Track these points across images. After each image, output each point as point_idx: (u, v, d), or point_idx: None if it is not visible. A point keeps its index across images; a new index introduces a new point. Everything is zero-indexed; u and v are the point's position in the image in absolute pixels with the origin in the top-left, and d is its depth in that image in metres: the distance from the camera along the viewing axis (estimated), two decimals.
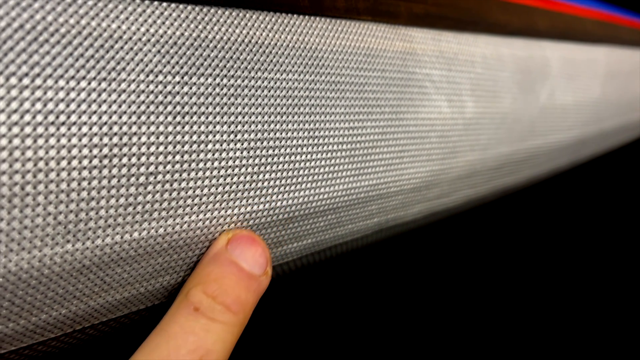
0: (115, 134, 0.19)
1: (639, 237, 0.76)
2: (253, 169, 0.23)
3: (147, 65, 0.20)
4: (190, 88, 0.21)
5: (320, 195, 0.27)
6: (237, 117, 0.22)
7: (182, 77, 0.21)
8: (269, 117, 0.23)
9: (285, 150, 0.24)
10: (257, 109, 0.23)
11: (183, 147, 0.21)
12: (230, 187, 0.23)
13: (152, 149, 0.20)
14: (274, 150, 0.24)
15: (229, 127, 0.22)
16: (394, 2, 0.30)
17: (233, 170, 0.22)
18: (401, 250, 0.64)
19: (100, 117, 0.18)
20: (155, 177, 0.20)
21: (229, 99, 0.22)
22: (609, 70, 0.55)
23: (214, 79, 0.21)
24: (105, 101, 0.18)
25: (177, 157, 0.20)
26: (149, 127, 0.20)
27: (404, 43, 0.30)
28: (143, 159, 0.19)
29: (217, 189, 0.22)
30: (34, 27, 0.17)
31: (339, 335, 0.58)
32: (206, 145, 0.21)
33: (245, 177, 0.23)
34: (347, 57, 0.27)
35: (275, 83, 0.24)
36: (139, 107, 0.19)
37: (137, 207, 0.20)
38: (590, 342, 0.65)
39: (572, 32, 0.49)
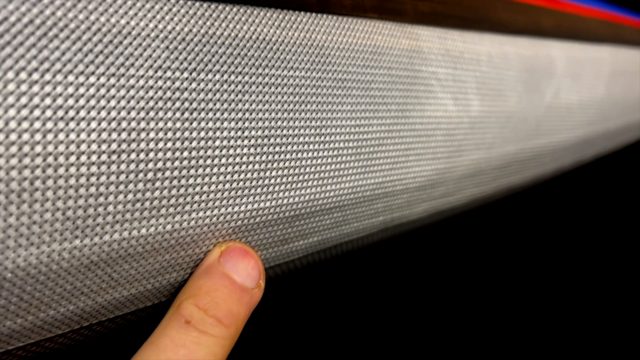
0: (124, 129, 0.19)
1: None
2: (260, 165, 0.23)
3: (155, 61, 0.20)
4: (199, 84, 0.21)
5: (326, 192, 0.27)
6: (244, 114, 0.22)
7: (191, 73, 0.20)
8: (276, 114, 0.23)
9: (292, 147, 0.24)
10: (264, 105, 0.23)
11: (191, 143, 0.20)
12: (238, 184, 0.23)
13: (161, 144, 0.20)
14: (280, 148, 0.24)
15: (237, 123, 0.22)
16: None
17: (240, 167, 0.22)
18: (406, 249, 0.64)
19: (109, 113, 0.18)
20: (163, 173, 0.20)
21: (237, 95, 0.22)
22: (614, 70, 0.55)
23: (222, 75, 0.21)
24: (114, 97, 0.18)
25: (185, 154, 0.20)
26: (157, 123, 0.20)
27: (410, 41, 0.30)
28: (151, 154, 0.19)
29: (224, 185, 0.22)
30: (43, 22, 0.17)
31: (344, 333, 0.58)
32: (214, 142, 0.21)
33: (252, 174, 0.23)
34: (353, 55, 0.27)
35: (283, 80, 0.24)
36: (147, 102, 0.19)
37: (145, 203, 0.20)
38: (601, 341, 0.64)
39: (577, 31, 0.49)
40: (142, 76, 0.19)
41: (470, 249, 0.71)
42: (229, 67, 0.22)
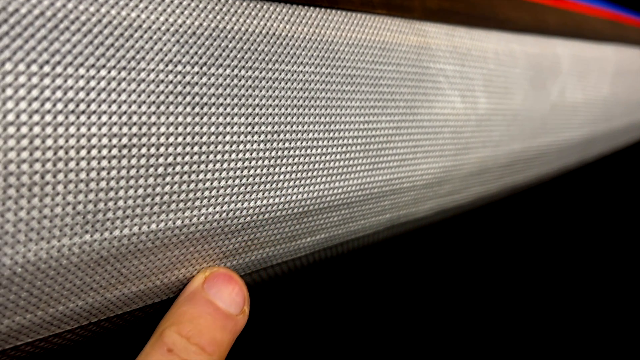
0: (135, 123, 0.19)
1: None
2: (269, 161, 0.23)
3: (166, 55, 0.19)
4: (209, 79, 0.21)
5: (334, 189, 0.27)
6: (254, 109, 0.22)
7: (201, 68, 0.20)
8: (286, 109, 0.23)
9: (301, 143, 0.24)
10: (274, 101, 0.23)
11: (201, 138, 0.20)
12: (247, 180, 0.22)
13: (171, 139, 0.19)
14: (290, 144, 0.24)
15: (247, 119, 0.22)
16: None
17: (250, 163, 0.22)
18: (412, 247, 0.64)
19: (119, 107, 0.18)
20: (173, 168, 0.20)
21: (247, 90, 0.22)
22: (618, 69, 0.55)
23: (232, 70, 0.21)
24: (124, 90, 0.18)
25: (196, 149, 0.20)
26: (168, 118, 0.19)
27: (418, 37, 0.30)
28: (162, 149, 0.19)
29: (234, 181, 0.22)
30: (54, 14, 0.17)
31: (350, 330, 0.58)
32: (224, 137, 0.21)
33: (261, 170, 0.23)
34: (362, 51, 0.27)
35: (292, 75, 0.24)
36: (158, 97, 0.19)
37: (155, 198, 0.20)
38: (605, 341, 0.64)
39: (582, 30, 0.49)
40: (153, 70, 0.19)
41: (475, 247, 0.71)
42: (239, 61, 0.22)
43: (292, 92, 0.24)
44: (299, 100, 0.24)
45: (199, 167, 0.21)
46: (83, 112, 0.17)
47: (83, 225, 0.18)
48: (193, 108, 0.20)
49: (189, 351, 0.20)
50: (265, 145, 0.23)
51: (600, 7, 0.55)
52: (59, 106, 0.17)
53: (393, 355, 0.57)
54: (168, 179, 0.20)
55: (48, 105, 0.17)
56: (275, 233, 0.25)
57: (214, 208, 0.22)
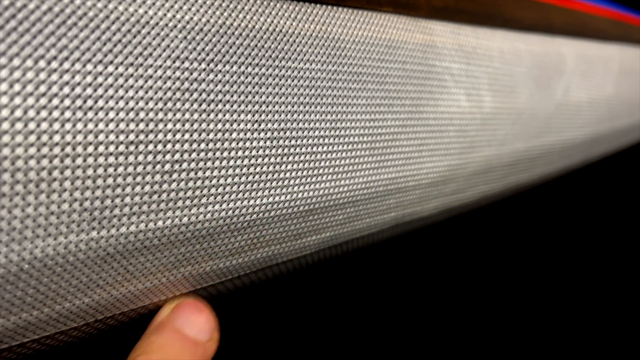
0: (142, 120, 0.18)
1: None
2: (276, 159, 0.23)
3: (173, 52, 0.19)
4: (216, 75, 0.20)
5: (340, 187, 0.26)
6: (261, 107, 0.22)
7: (208, 64, 0.20)
8: (292, 107, 0.23)
9: (308, 141, 0.24)
10: (280, 98, 0.23)
11: (208, 135, 0.20)
12: (254, 177, 0.22)
13: (178, 136, 0.19)
14: (296, 141, 0.24)
15: (253, 116, 0.22)
16: None
17: (256, 160, 0.22)
18: (416, 246, 0.63)
19: (127, 103, 0.18)
20: (180, 165, 0.20)
21: (254, 87, 0.22)
22: (622, 69, 0.55)
23: (239, 67, 0.21)
24: (132, 87, 0.18)
25: (203, 146, 0.20)
26: (175, 114, 0.19)
27: (424, 35, 0.30)
28: (169, 146, 0.19)
29: (240, 178, 0.22)
30: (62, 10, 0.17)
31: (355, 328, 0.58)
32: (231, 134, 0.21)
33: (268, 168, 0.23)
34: (369, 48, 0.27)
35: (299, 72, 0.23)
36: (165, 93, 0.19)
37: (162, 195, 0.19)
38: (606, 341, 0.64)
39: (587, 29, 0.49)
40: (160, 66, 0.19)
41: (479, 246, 0.71)
42: (246, 58, 0.21)
43: (299, 90, 0.23)
44: (305, 98, 0.24)
45: (205, 164, 0.20)
46: (90, 108, 0.17)
47: (90, 222, 0.18)
48: (200, 105, 0.20)
49: None
50: (271, 142, 0.23)
51: (604, 6, 0.55)
52: (67, 102, 0.17)
53: (399, 354, 0.57)
54: (175, 175, 0.20)
55: (55, 102, 0.17)
56: (281, 231, 0.25)
57: (221, 205, 0.22)
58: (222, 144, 0.21)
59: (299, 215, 0.25)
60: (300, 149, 0.24)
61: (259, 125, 0.22)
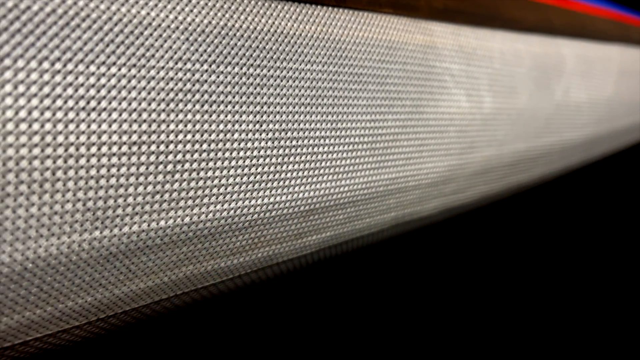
0: (145, 120, 0.19)
1: None
2: (277, 159, 0.23)
3: (175, 53, 0.20)
4: (218, 77, 0.21)
5: (341, 187, 0.27)
6: (262, 107, 0.22)
7: (210, 66, 0.20)
8: (294, 107, 0.23)
9: (309, 141, 0.24)
10: (282, 99, 0.23)
11: (210, 135, 0.20)
12: (255, 177, 0.23)
13: (180, 137, 0.20)
14: (297, 142, 0.24)
15: (255, 117, 0.22)
16: None
17: (258, 161, 0.22)
18: (416, 246, 0.64)
19: (129, 104, 0.18)
20: (182, 166, 0.20)
21: (255, 88, 0.22)
22: (622, 70, 0.55)
23: (241, 68, 0.21)
24: (134, 88, 0.18)
25: (205, 146, 0.20)
26: (177, 115, 0.19)
27: (425, 36, 0.30)
28: (171, 146, 0.19)
29: (242, 178, 0.22)
30: (65, 12, 0.17)
31: (355, 327, 0.58)
32: (232, 135, 0.21)
33: (269, 168, 0.23)
34: (369, 49, 0.27)
35: (300, 73, 0.24)
36: (167, 94, 0.19)
37: (164, 195, 0.20)
38: (606, 341, 0.64)
39: (587, 30, 0.49)
40: (163, 67, 0.19)
41: (479, 246, 0.71)
42: (248, 60, 0.22)
43: (300, 91, 0.24)
44: (306, 99, 0.24)
45: (207, 164, 0.21)
46: (93, 109, 0.17)
47: (93, 222, 0.18)
48: (202, 106, 0.20)
49: None
50: (272, 143, 0.23)
51: (605, 7, 0.55)
52: (70, 103, 0.17)
53: (398, 353, 0.58)
54: (177, 176, 0.20)
55: (59, 102, 0.17)
56: (282, 230, 0.25)
57: (222, 205, 0.22)
58: (224, 145, 0.21)
59: (299, 215, 0.25)
60: (302, 149, 0.24)
61: (261, 125, 0.22)
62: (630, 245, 0.77)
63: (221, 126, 0.21)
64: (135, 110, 0.18)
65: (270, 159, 0.23)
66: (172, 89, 0.19)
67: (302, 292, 0.53)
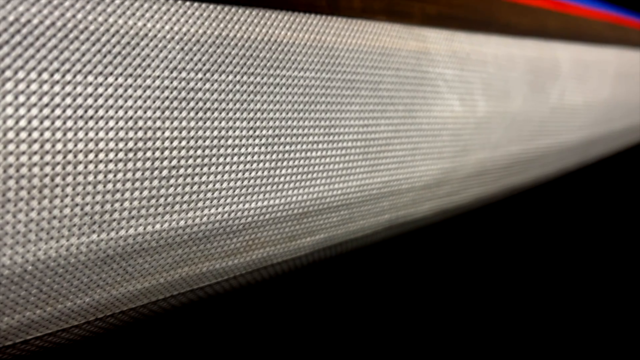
0: (140, 128, 0.19)
1: None
2: (271, 164, 0.24)
3: (171, 62, 0.20)
4: (212, 85, 0.21)
5: (334, 191, 0.27)
6: (256, 114, 0.23)
7: (204, 74, 0.21)
8: (287, 113, 0.24)
9: (302, 146, 0.25)
10: (275, 105, 0.24)
11: (205, 142, 0.21)
12: (249, 182, 0.23)
13: (175, 143, 0.20)
14: (290, 147, 0.24)
15: (249, 123, 0.23)
16: (408, 2, 0.31)
17: (251, 166, 0.23)
18: (411, 247, 0.64)
19: (126, 112, 0.19)
20: (177, 171, 0.21)
21: (249, 95, 0.23)
22: (619, 72, 0.55)
23: (235, 76, 0.22)
24: (131, 96, 0.19)
25: (199, 152, 0.21)
26: (172, 122, 0.20)
27: (418, 43, 0.31)
28: (166, 153, 0.20)
29: (235, 183, 0.23)
30: (64, 24, 0.18)
31: (349, 328, 0.59)
32: (227, 141, 0.22)
33: (262, 172, 0.24)
34: (362, 56, 0.27)
35: (293, 80, 0.24)
36: (163, 102, 0.20)
37: (160, 199, 0.20)
38: (605, 341, 0.65)
39: (582, 33, 0.50)
40: (158, 77, 0.20)
41: (474, 247, 0.72)
42: (242, 68, 0.22)
43: (293, 97, 0.24)
44: (299, 105, 0.25)
45: (201, 169, 0.21)
46: (91, 117, 0.18)
47: (90, 226, 0.19)
48: (197, 113, 0.21)
49: None
50: (266, 148, 0.24)
51: (601, 9, 0.55)
52: (68, 112, 0.18)
53: (391, 355, 0.58)
54: (172, 181, 0.21)
55: (58, 112, 0.17)
56: (276, 233, 0.26)
57: (216, 209, 0.22)
58: (218, 150, 0.22)
59: (293, 218, 0.26)
60: (295, 154, 0.25)
61: (254, 131, 0.23)
62: (626, 246, 0.77)
63: (215, 132, 0.21)
64: (131, 118, 0.19)
65: (264, 164, 0.24)
66: (167, 97, 0.20)
67: (297, 293, 0.54)
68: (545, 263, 0.74)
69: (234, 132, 0.22)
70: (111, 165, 0.19)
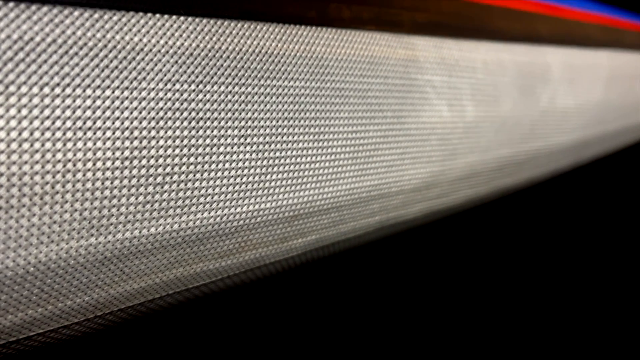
0: (136, 137, 0.21)
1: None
2: (261, 170, 0.25)
3: (165, 75, 0.21)
4: (205, 95, 0.22)
5: (324, 194, 0.28)
6: (247, 122, 0.24)
7: (197, 86, 0.22)
8: (277, 121, 0.25)
9: (292, 152, 0.26)
10: (265, 114, 0.25)
11: (197, 149, 0.22)
12: (240, 187, 0.24)
13: (169, 151, 0.21)
14: (281, 153, 0.26)
15: (240, 131, 0.24)
16: (397, 11, 0.32)
17: (243, 171, 0.24)
18: (402, 247, 0.65)
19: (122, 123, 0.20)
20: (171, 178, 0.22)
21: (240, 105, 0.24)
22: (612, 74, 0.56)
23: (227, 87, 0.23)
24: (127, 108, 0.20)
25: (192, 159, 0.22)
26: (166, 132, 0.21)
27: (407, 51, 0.32)
28: (161, 160, 0.21)
29: (227, 188, 0.24)
30: (65, 41, 0.19)
31: (340, 328, 0.60)
32: (219, 148, 0.23)
33: (254, 177, 0.25)
34: (351, 65, 0.29)
35: (283, 90, 0.25)
36: (157, 113, 0.21)
37: (154, 204, 0.22)
38: (588, 342, 0.66)
39: (575, 37, 0.50)
40: (153, 89, 0.21)
41: (465, 248, 0.73)
42: (233, 79, 0.23)
43: (283, 106, 0.25)
44: (289, 113, 0.26)
45: (194, 176, 0.23)
46: (89, 128, 0.19)
47: (89, 230, 0.20)
48: (190, 122, 0.22)
49: None
50: (257, 154, 0.25)
51: (594, 12, 0.56)
52: (68, 124, 0.19)
53: (380, 353, 0.59)
54: (166, 187, 0.22)
55: (58, 123, 0.19)
56: (268, 235, 0.27)
57: (209, 213, 0.24)
58: (210, 157, 0.23)
59: (284, 221, 0.27)
60: (285, 160, 0.26)
61: (245, 139, 0.24)
62: (622, 246, 0.78)
63: (207, 140, 0.23)
64: (127, 128, 0.20)
65: (255, 169, 0.25)
66: (161, 108, 0.21)
67: (289, 292, 0.55)
68: (539, 263, 0.75)
69: (226, 139, 0.23)
70: (108, 173, 0.20)
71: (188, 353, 0.47)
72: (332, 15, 0.28)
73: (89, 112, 0.19)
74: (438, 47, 0.34)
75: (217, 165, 0.23)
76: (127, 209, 0.21)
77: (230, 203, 0.24)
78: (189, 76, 0.22)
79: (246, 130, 0.24)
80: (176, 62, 0.22)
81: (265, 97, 0.25)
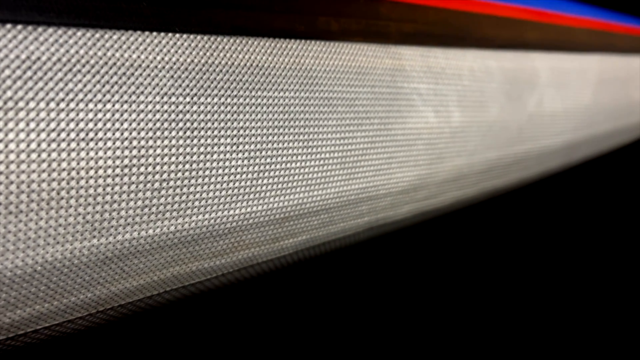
0: (135, 147, 0.22)
1: (635, 236, 0.79)
2: (253, 175, 0.27)
3: (162, 89, 0.23)
4: (199, 107, 0.24)
5: (313, 197, 0.30)
6: (239, 131, 0.26)
7: (192, 98, 0.24)
8: (268, 130, 0.27)
9: (282, 158, 0.28)
10: (257, 123, 0.26)
11: (192, 157, 0.24)
12: (233, 191, 0.26)
13: (166, 159, 0.23)
14: (271, 159, 0.27)
15: (232, 139, 0.25)
16: (385, 22, 0.33)
17: (235, 177, 0.26)
18: (392, 247, 0.66)
19: (122, 133, 0.22)
20: (168, 183, 0.24)
21: (233, 115, 0.25)
22: (601, 78, 0.57)
23: (220, 99, 0.25)
24: (126, 120, 0.22)
25: (187, 166, 0.24)
26: (163, 141, 0.23)
27: (393, 60, 0.34)
28: (158, 167, 0.23)
29: (221, 192, 0.26)
30: (69, 59, 0.21)
31: (330, 325, 0.61)
32: (212, 156, 0.25)
33: (246, 182, 0.27)
34: (339, 76, 0.30)
35: (274, 101, 0.27)
36: (154, 124, 0.23)
37: (152, 208, 0.23)
38: (578, 343, 0.67)
39: (564, 42, 0.52)
40: (151, 102, 0.23)
41: (455, 247, 0.74)
42: (226, 91, 0.25)
43: (273, 115, 0.27)
44: (279, 122, 0.27)
45: (189, 181, 0.24)
46: (92, 139, 0.21)
47: (91, 232, 0.22)
48: (185, 132, 0.24)
49: None
50: (249, 161, 0.26)
51: (583, 16, 0.57)
52: (72, 135, 0.21)
53: (370, 351, 0.60)
54: (163, 192, 0.23)
55: (63, 135, 0.20)
56: (259, 235, 0.29)
57: (203, 215, 0.25)
58: (205, 164, 0.25)
59: (275, 222, 0.29)
60: (275, 165, 0.28)
61: (237, 147, 0.26)
62: (617, 246, 0.79)
63: (201, 149, 0.24)
64: (126, 138, 0.22)
65: (247, 175, 0.27)
66: (158, 119, 0.23)
67: (282, 290, 0.57)
68: (531, 262, 0.76)
69: (219, 147, 0.25)
70: (109, 180, 0.22)
71: (185, 347, 0.49)
72: (320, 28, 0.30)
73: (91, 124, 0.21)
74: (425, 56, 0.36)
75: (211, 171, 0.25)
76: (126, 212, 0.23)
77: (224, 206, 0.26)
78: (184, 89, 0.24)
79: (238, 139, 0.26)
80: (172, 76, 0.23)
81: (256, 107, 0.26)
